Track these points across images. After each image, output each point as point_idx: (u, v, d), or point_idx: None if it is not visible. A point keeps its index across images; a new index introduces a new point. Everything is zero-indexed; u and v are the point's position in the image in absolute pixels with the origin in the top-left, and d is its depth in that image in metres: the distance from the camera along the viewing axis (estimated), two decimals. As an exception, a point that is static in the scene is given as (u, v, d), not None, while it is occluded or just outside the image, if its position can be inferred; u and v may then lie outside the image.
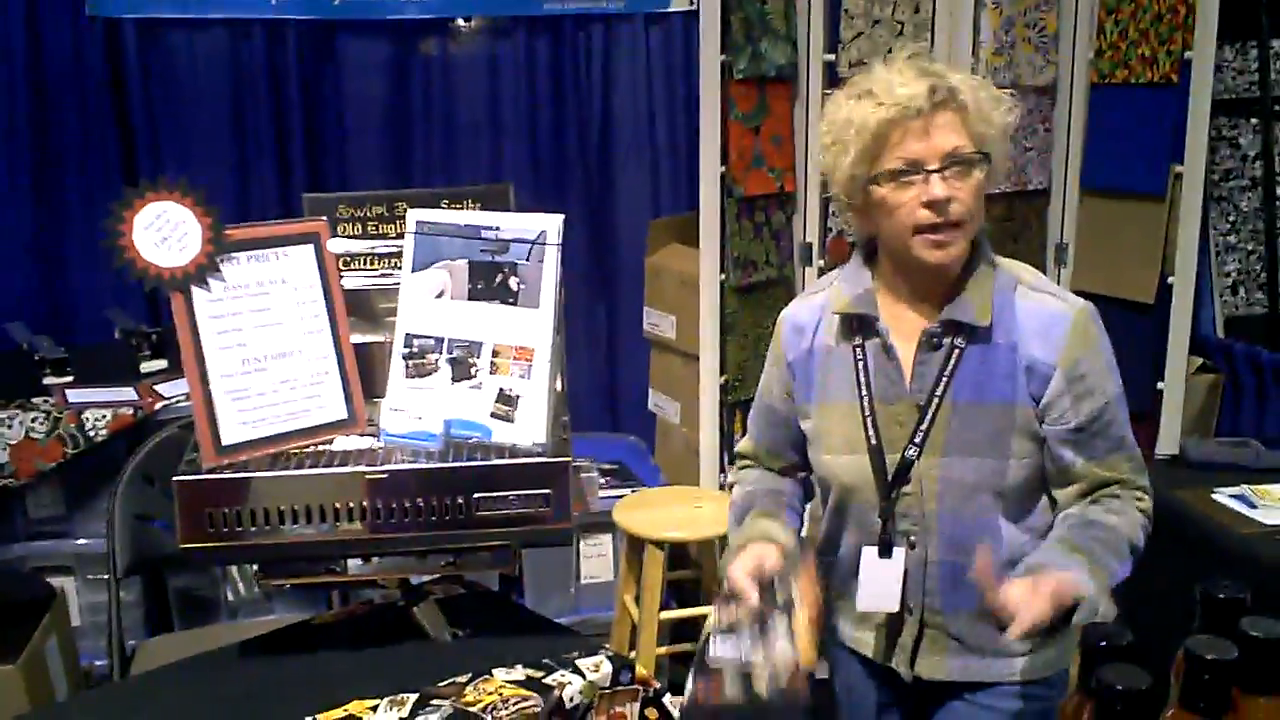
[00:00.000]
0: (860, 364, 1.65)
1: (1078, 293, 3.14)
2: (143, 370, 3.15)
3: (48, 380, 3.09)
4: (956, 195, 1.52)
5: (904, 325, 1.64)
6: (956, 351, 1.60)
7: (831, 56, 3.14)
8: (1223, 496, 2.54)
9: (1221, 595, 1.13)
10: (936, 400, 1.60)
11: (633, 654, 2.94)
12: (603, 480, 3.33)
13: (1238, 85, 3.47)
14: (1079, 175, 3.21)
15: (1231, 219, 3.53)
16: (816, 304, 1.73)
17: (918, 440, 1.61)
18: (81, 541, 3.09)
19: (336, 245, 1.84)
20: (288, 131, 3.40)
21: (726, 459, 3.26)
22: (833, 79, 3.16)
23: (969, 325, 1.59)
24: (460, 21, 3.48)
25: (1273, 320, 3.51)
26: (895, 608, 1.66)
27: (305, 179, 3.41)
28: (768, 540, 1.66)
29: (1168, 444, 3.07)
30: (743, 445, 1.89)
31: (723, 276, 3.11)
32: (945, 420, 1.60)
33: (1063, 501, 1.64)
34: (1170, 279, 3.03)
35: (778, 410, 1.77)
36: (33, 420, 2.90)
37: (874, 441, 1.63)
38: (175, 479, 1.61)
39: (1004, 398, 1.58)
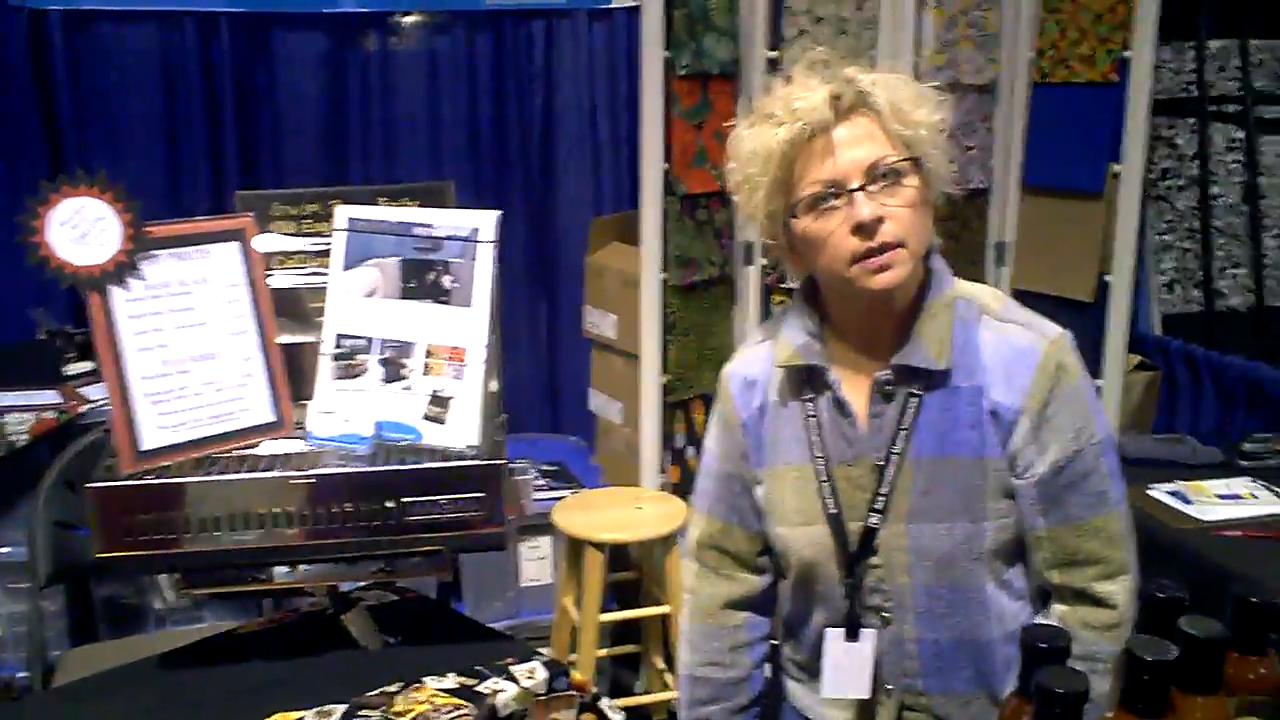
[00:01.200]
0: (812, 421, 1.45)
1: (1019, 293, 3.23)
2: (67, 373, 3.06)
3: (-31, 383, 3.00)
4: (888, 213, 1.31)
5: (856, 376, 1.44)
6: (913, 401, 1.40)
7: (775, 53, 3.12)
8: (1158, 493, 2.55)
9: (1160, 595, 1.12)
10: (895, 458, 1.40)
11: (574, 657, 2.91)
12: (542, 481, 3.29)
13: (1175, 85, 3.50)
14: (1019, 174, 3.22)
15: (1168, 218, 3.56)
16: (764, 355, 1.53)
17: (878, 506, 1.41)
18: (1, 550, 3.00)
19: (267, 242, 1.79)
20: (221, 127, 3.32)
21: (668, 458, 3.23)
22: (776, 75, 3.15)
23: (924, 370, 1.39)
24: (399, 16, 3.41)
25: (1208, 318, 3.56)
26: (865, 694, 1.47)
27: (239, 176, 3.34)
28: None
29: (1106, 441, 3.08)
30: (699, 533, 1.61)
31: (664, 275, 3.08)
32: (907, 481, 1.40)
33: (1034, 573, 1.44)
34: (1108, 277, 3.05)
35: (741, 477, 1.55)
36: (-49, 425, 2.81)
37: (832, 509, 1.44)
38: (89, 485, 1.55)
39: (971, 451, 1.38)
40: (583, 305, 3.51)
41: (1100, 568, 1.40)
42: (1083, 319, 3.13)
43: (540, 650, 1.74)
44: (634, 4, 3.39)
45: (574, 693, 1.69)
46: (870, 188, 1.32)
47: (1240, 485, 2.56)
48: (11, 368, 3.00)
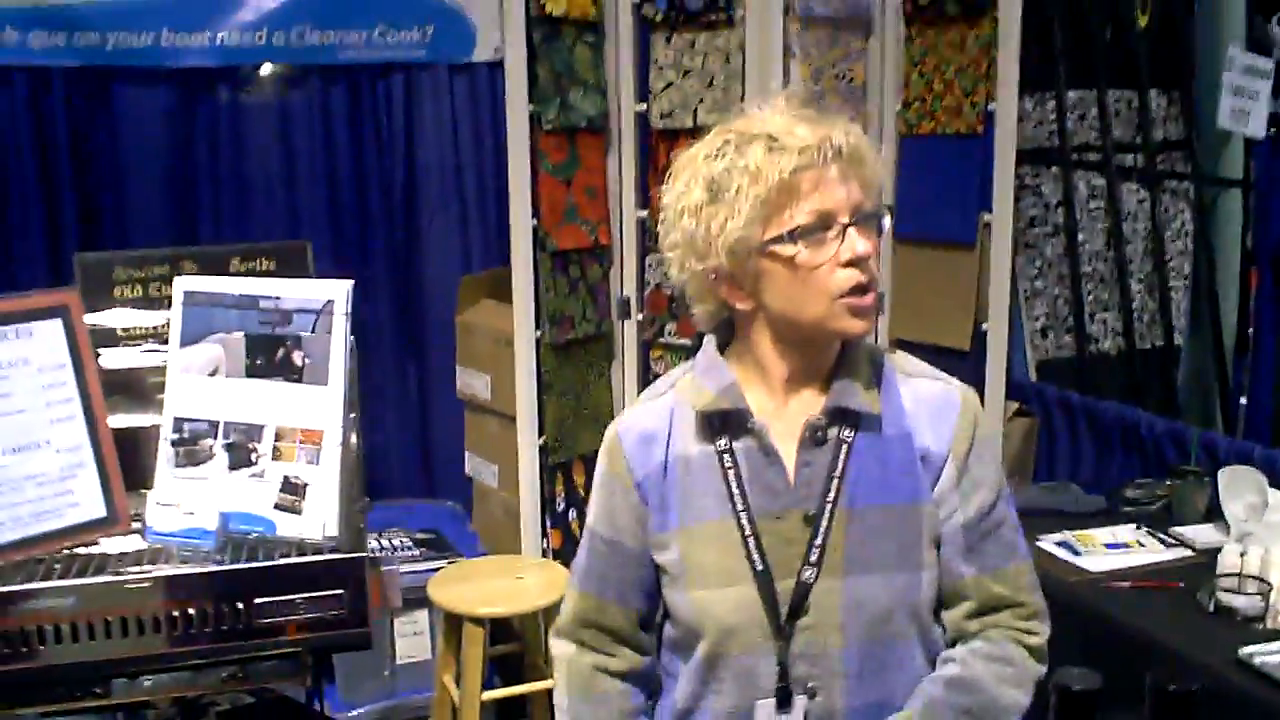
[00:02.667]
0: (731, 472, 1.37)
1: (896, 342, 3.21)
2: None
3: None
4: (870, 254, 1.30)
5: (779, 423, 1.38)
6: (844, 446, 1.35)
7: (643, 106, 3.07)
8: (1047, 544, 2.53)
9: (1076, 688, 1.05)
10: (829, 506, 1.34)
11: (454, 738, 2.76)
12: (417, 551, 3.14)
13: (1038, 134, 3.55)
14: (891, 226, 3.21)
15: (1038, 264, 3.60)
16: (664, 407, 1.44)
17: (813, 559, 1.33)
18: None
19: (107, 318, 1.62)
20: (57, 188, 3.10)
21: (549, 523, 3.11)
22: (645, 130, 3.09)
23: (857, 414, 1.35)
24: (250, 69, 3.25)
25: (1081, 363, 3.59)
26: None
27: (78, 239, 3.12)
28: None
29: (988, 490, 3.07)
30: (574, 608, 1.50)
31: (538, 333, 2.97)
32: (843, 530, 1.34)
33: (950, 625, 1.41)
34: (985, 326, 3.05)
35: (627, 548, 1.45)
36: None
37: (760, 566, 1.35)
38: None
39: (908, 497, 1.35)
40: (455, 365, 3.38)
41: (1018, 610, 1.40)
42: (961, 368, 3.12)
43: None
44: (497, 58, 3.30)
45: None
46: (862, 226, 1.30)
47: (1125, 533, 2.55)
48: None
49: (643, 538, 1.43)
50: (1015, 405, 3.27)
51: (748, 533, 1.35)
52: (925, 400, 1.39)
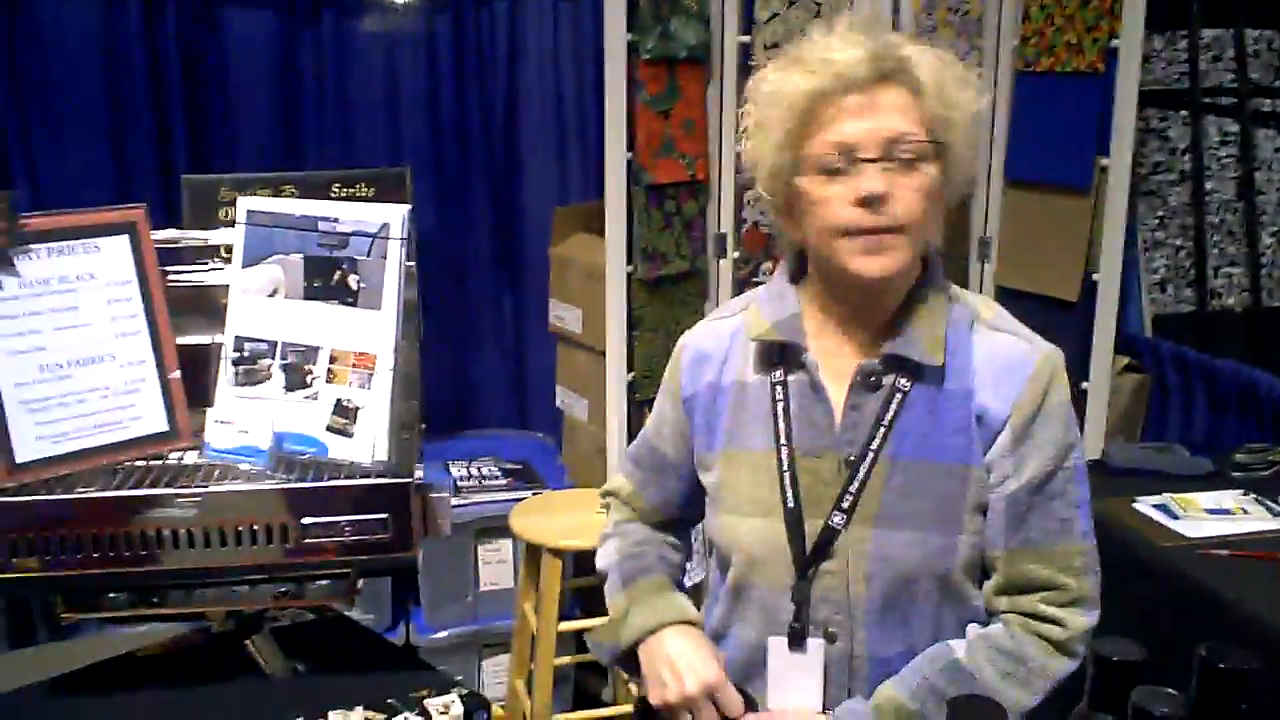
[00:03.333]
0: (781, 405, 1.33)
1: (1002, 291, 3.09)
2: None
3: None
4: (899, 194, 1.22)
5: (837, 360, 1.34)
6: (899, 395, 1.30)
7: (746, 38, 2.98)
8: (1144, 506, 2.41)
9: (1116, 659, 0.99)
10: (871, 455, 1.29)
11: (534, 665, 2.79)
12: (504, 481, 3.17)
13: (1168, 76, 3.34)
14: (1003, 167, 3.08)
15: (1160, 214, 3.41)
16: (726, 330, 1.42)
17: (845, 505, 1.30)
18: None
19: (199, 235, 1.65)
20: (169, 112, 3.16)
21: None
22: (747, 61, 3.01)
23: (916, 364, 1.30)
24: (357, -6, 3.26)
25: (1202, 319, 3.40)
26: (817, 706, 1.34)
27: (188, 161, 3.18)
28: (686, 622, 1.37)
29: (1093, 448, 2.95)
30: (617, 484, 1.56)
31: (630, 269, 2.94)
32: (881, 481, 1.30)
33: (985, 594, 1.35)
34: (1095, 276, 2.91)
35: (666, 457, 1.47)
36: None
37: (791, 503, 1.32)
38: (-45, 501, 1.42)
39: (957, 457, 1.29)
40: (548, 298, 3.37)
41: (1053, 593, 1.31)
42: (1068, 319, 2.99)
43: (458, 679, 1.61)
44: (602, -15, 3.25)
45: (494, 728, 1.56)
46: (885, 163, 1.22)
47: (1230, 499, 2.41)
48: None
49: (682, 451, 1.45)
50: (1125, 360, 3.12)
51: (784, 468, 1.32)
52: (996, 359, 1.31)
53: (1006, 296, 3.15)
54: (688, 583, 1.55)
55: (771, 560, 1.34)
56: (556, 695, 2.97)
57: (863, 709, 1.31)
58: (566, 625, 2.86)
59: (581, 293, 3.17)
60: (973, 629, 1.35)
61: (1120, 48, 2.73)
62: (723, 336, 1.42)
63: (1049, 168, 2.95)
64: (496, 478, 3.18)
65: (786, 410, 1.34)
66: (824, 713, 1.34)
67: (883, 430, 1.30)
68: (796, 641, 1.33)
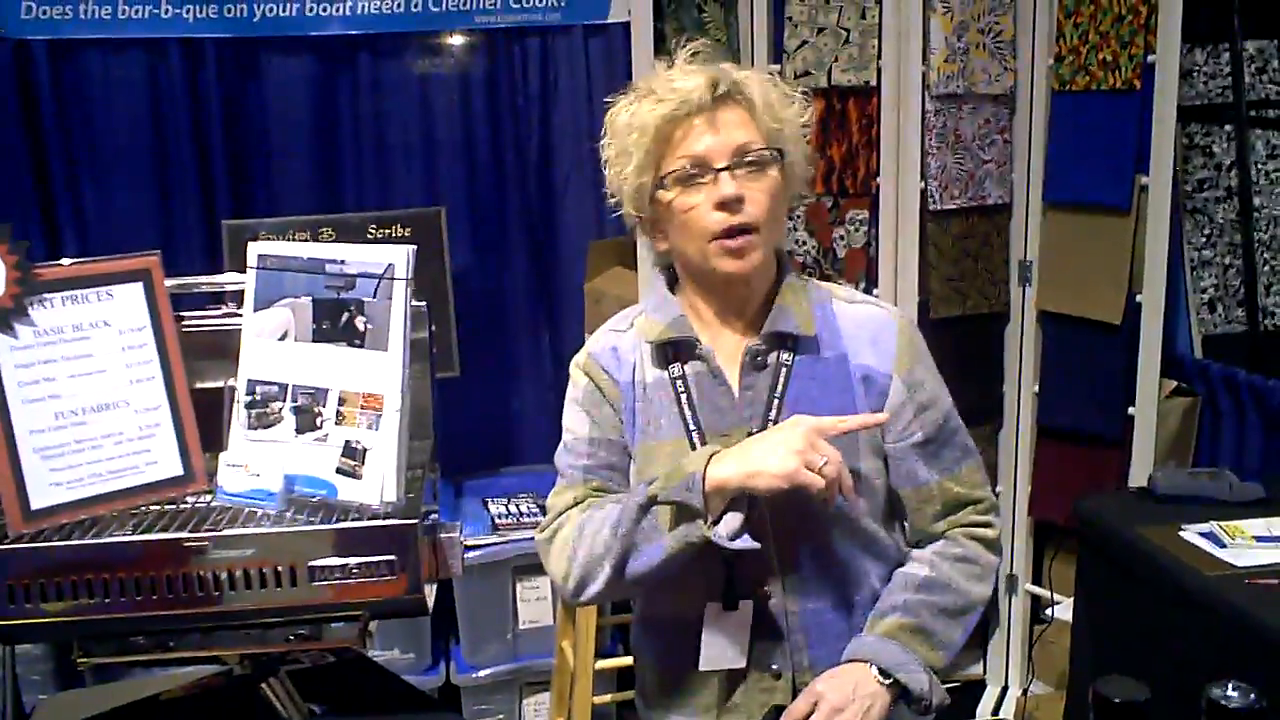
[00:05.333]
0: (684, 395, 1.51)
1: (1045, 315, 3.03)
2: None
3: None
4: (750, 196, 1.42)
5: (723, 349, 1.53)
6: (784, 369, 1.49)
7: (776, 67, 2.97)
8: (1190, 534, 2.34)
9: (1117, 700, 0.95)
10: (770, 424, 1.46)
11: (572, 702, 2.77)
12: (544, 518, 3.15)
13: (1210, 90, 3.27)
14: (1041, 189, 3.03)
15: (1207, 232, 3.33)
16: (629, 338, 1.58)
17: None
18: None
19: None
20: (210, 155, 3.23)
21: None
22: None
23: (794, 337, 1.49)
24: (390, 37, 3.30)
25: (1253, 339, 3.31)
26: (741, 663, 1.50)
27: (229, 203, 3.24)
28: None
29: (1140, 474, 2.87)
30: (573, 497, 1.59)
31: (666, 302, 2.93)
32: None
33: (918, 529, 1.56)
34: (1139, 297, 2.85)
35: (614, 441, 1.56)
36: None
37: None
38: (-28, 548, 1.43)
39: (841, 414, 1.45)
40: (584, 333, 3.36)
41: (977, 506, 1.56)
42: (1112, 341, 2.93)
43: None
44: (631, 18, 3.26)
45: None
46: (736, 170, 1.42)
47: (1281, 526, 2.33)
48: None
49: (624, 437, 1.56)
50: (1174, 384, 3.04)
51: (698, 449, 1.47)
52: (863, 324, 1.52)
53: (1049, 320, 3.10)
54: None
55: None
56: (597, 733, 2.95)
57: (874, 639, 1.47)
58: (605, 663, 2.85)
59: (616, 326, 3.17)
60: (922, 553, 1.54)
61: (1157, 63, 2.68)
62: (630, 342, 1.57)
63: (1088, 188, 2.90)
64: (535, 515, 3.17)
65: (690, 399, 1.50)
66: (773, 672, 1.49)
67: (776, 401, 1.48)
68: (730, 603, 1.48)
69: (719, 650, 1.50)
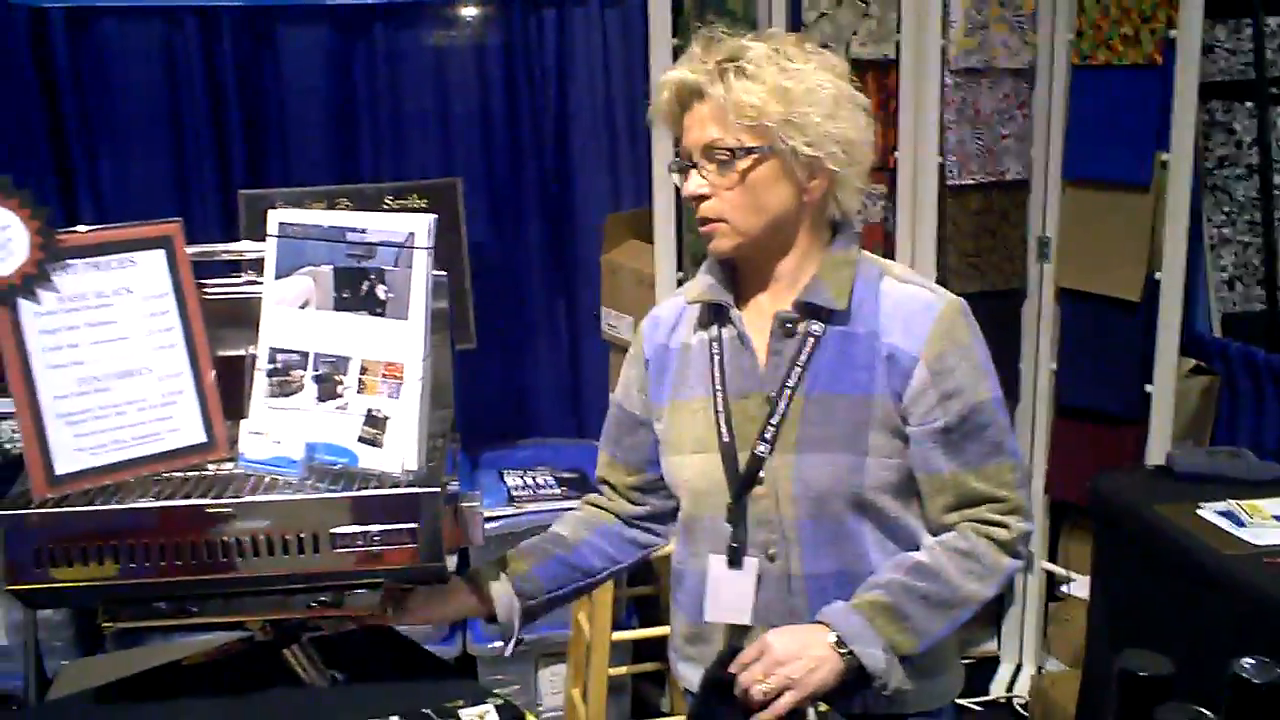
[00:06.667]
0: (716, 357, 1.56)
1: (1063, 291, 3.02)
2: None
3: (-31, 389, 2.93)
4: (716, 191, 1.48)
5: (759, 316, 1.56)
6: (811, 339, 1.51)
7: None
8: (1209, 512, 2.34)
9: (1141, 673, 0.95)
10: (789, 391, 1.50)
11: (588, 674, 2.78)
12: (558, 490, 3.17)
13: (1232, 67, 3.25)
14: (1060, 165, 3.02)
15: (1227, 209, 3.31)
16: (678, 301, 1.67)
17: (768, 436, 1.51)
18: (7, 558, 2.93)
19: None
20: (227, 125, 3.23)
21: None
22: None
23: (825, 310, 1.51)
24: (407, 7, 3.29)
25: (1272, 318, 3.29)
26: (746, 620, 1.53)
27: (245, 173, 3.25)
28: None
29: (1157, 452, 2.87)
30: (597, 469, 1.76)
31: (680, 275, 2.93)
32: (798, 413, 1.50)
33: (930, 517, 1.55)
34: (1158, 275, 2.83)
35: (633, 414, 1.68)
36: (-55, 431, 2.75)
37: (726, 439, 1.53)
38: (-1, 512, 1.44)
39: (861, 388, 1.49)
40: (601, 306, 3.37)
41: (997, 504, 1.51)
42: (1131, 319, 2.92)
43: (496, 692, 1.60)
44: (650, -9, 3.24)
45: (528, 741, 1.55)
46: (706, 165, 1.48)
47: (1300, 505, 2.33)
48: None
49: (645, 406, 1.66)
50: (1193, 362, 3.03)
51: (719, 408, 1.54)
52: (904, 305, 1.52)
53: (1067, 297, 3.08)
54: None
55: (712, 491, 1.54)
56: (614, 705, 2.96)
57: (843, 607, 1.47)
58: (621, 635, 2.86)
59: (633, 299, 3.17)
60: (928, 539, 1.53)
61: (1178, 38, 2.66)
62: (676, 305, 1.66)
63: (1108, 164, 2.88)
64: (551, 486, 3.18)
65: (721, 362, 1.56)
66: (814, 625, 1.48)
67: (798, 370, 1.51)
68: (734, 560, 1.52)
69: (723, 603, 1.54)
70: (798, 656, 1.42)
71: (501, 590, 1.65)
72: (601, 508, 1.76)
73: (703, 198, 1.49)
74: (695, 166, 1.49)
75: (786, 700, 1.41)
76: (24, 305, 1.47)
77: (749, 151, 1.46)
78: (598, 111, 3.40)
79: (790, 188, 1.49)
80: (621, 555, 1.75)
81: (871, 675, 1.44)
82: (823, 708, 1.43)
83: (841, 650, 1.44)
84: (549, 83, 3.36)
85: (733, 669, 1.46)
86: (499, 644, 3.04)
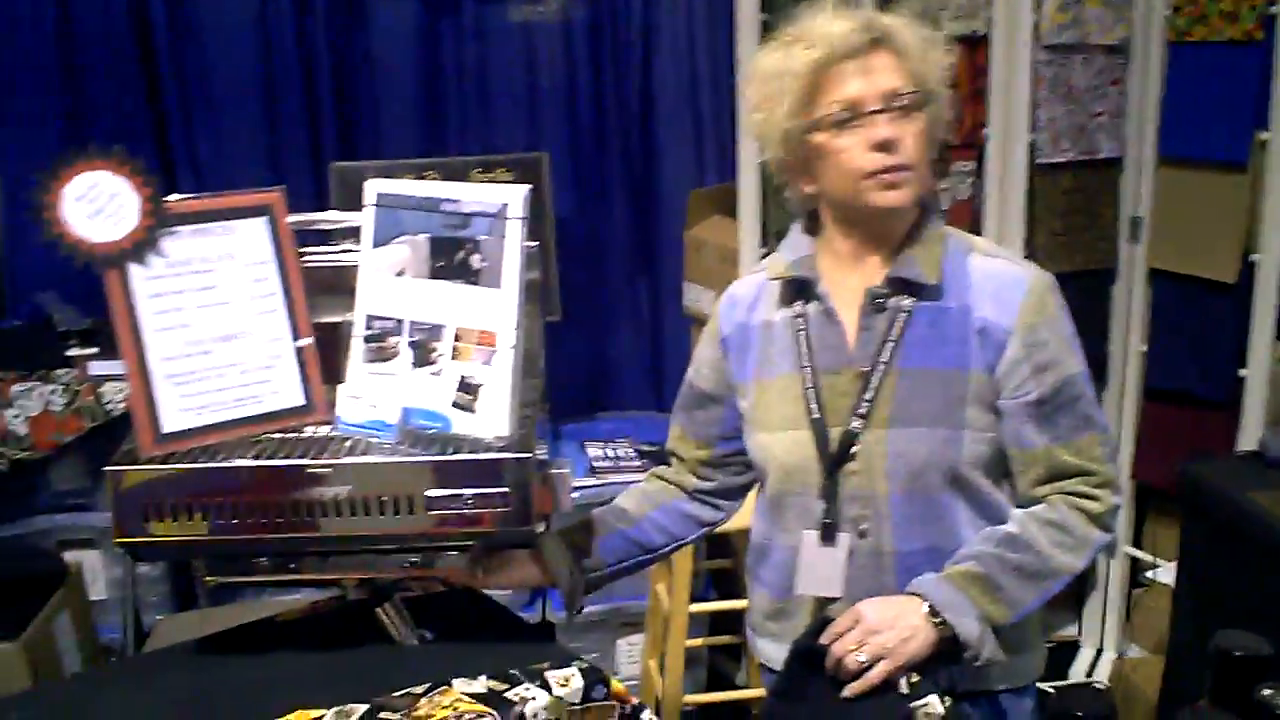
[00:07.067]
0: (802, 333, 1.56)
1: (1155, 273, 2.97)
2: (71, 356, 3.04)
3: (72, 352, 3.03)
4: (902, 138, 1.45)
5: (848, 289, 1.56)
6: (903, 314, 1.51)
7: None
8: (1289, 495, 2.30)
9: (1237, 653, 0.95)
10: (882, 366, 1.50)
11: (666, 645, 2.81)
12: (640, 462, 3.20)
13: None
14: (1155, 143, 2.96)
15: (1328, 190, 3.22)
16: (757, 278, 1.66)
17: (862, 411, 1.51)
18: (105, 514, 3.03)
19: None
20: (318, 98, 3.30)
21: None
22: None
23: (916, 284, 1.51)
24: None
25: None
26: (838, 594, 1.53)
27: (337, 147, 3.31)
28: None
29: (1250, 437, 2.81)
30: (668, 441, 1.78)
31: (764, 250, 2.93)
32: (891, 388, 1.50)
33: (1021, 491, 1.54)
34: (1255, 256, 2.77)
35: (703, 390, 1.69)
36: (51, 392, 2.86)
37: (816, 415, 1.53)
38: (107, 468, 1.50)
39: (955, 363, 1.50)
40: (683, 281, 3.38)
41: (1087, 478, 1.51)
42: (1225, 301, 2.86)
43: (581, 657, 1.63)
44: (738, -35, 3.23)
45: (612, 703, 1.58)
46: (887, 114, 1.44)
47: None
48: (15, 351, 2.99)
49: (720, 385, 1.66)
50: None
51: (808, 385, 1.54)
52: (994, 278, 1.52)
53: (1159, 278, 3.03)
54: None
55: (803, 467, 1.54)
56: (689, 677, 2.99)
57: (935, 578, 1.47)
58: (699, 607, 2.88)
59: (715, 274, 3.18)
60: (1017, 512, 1.53)
61: (1278, 14, 2.59)
62: (754, 282, 1.65)
63: (1204, 143, 2.83)
64: (632, 459, 3.22)
65: (807, 338, 1.55)
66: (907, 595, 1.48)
67: (890, 345, 1.50)
68: (827, 536, 1.52)
69: (815, 576, 1.54)
70: (892, 626, 1.42)
71: (563, 562, 1.67)
72: (668, 480, 1.78)
73: (894, 142, 1.45)
74: (856, 118, 1.45)
75: (880, 670, 1.41)
76: (134, 270, 1.53)
77: (927, 99, 1.48)
78: (682, 87, 3.41)
79: (931, 150, 1.52)
80: (683, 532, 1.76)
81: (964, 645, 1.44)
82: (914, 679, 1.43)
83: (935, 620, 1.43)
84: (634, 58, 3.38)
85: (824, 639, 1.45)
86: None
